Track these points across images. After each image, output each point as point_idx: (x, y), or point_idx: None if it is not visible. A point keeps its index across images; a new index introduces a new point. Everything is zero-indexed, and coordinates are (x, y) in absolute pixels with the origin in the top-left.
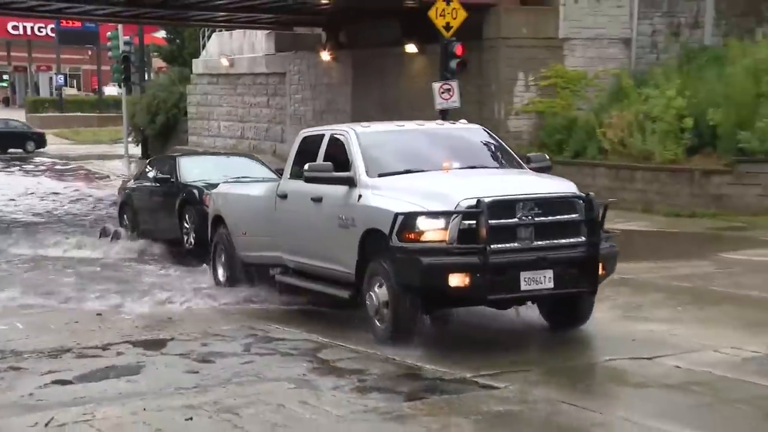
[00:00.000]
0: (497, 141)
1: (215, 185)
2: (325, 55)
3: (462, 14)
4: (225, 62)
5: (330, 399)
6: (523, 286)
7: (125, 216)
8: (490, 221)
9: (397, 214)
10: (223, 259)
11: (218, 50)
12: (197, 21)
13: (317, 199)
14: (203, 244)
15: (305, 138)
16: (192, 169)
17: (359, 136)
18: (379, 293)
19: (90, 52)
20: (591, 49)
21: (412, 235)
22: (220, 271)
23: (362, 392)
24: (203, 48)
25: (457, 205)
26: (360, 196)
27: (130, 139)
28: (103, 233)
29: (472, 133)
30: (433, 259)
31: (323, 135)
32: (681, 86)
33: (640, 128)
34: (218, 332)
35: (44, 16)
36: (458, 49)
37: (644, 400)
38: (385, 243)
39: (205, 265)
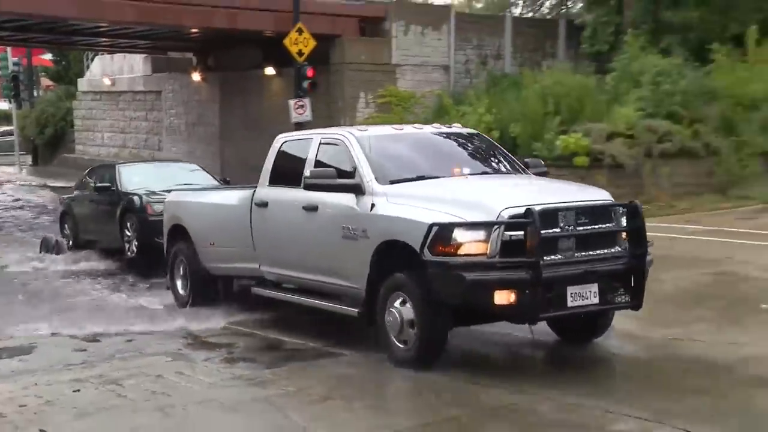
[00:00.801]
0: (498, 146)
1: (158, 193)
2: (196, 76)
3: (312, 43)
4: (107, 81)
5: (203, 369)
6: (570, 303)
7: (66, 226)
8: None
9: (432, 225)
10: (182, 272)
11: (101, 71)
12: (82, 45)
13: (310, 208)
14: (145, 252)
15: (285, 143)
16: (132, 177)
17: (360, 141)
18: (402, 311)
19: None
20: (418, 74)
21: (447, 248)
22: (179, 284)
23: (230, 363)
24: (87, 69)
25: (499, 215)
26: (373, 205)
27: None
28: (44, 244)
29: (472, 137)
30: (477, 274)
31: (310, 140)
32: (489, 105)
33: None
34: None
35: None
36: (309, 71)
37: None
38: (409, 256)
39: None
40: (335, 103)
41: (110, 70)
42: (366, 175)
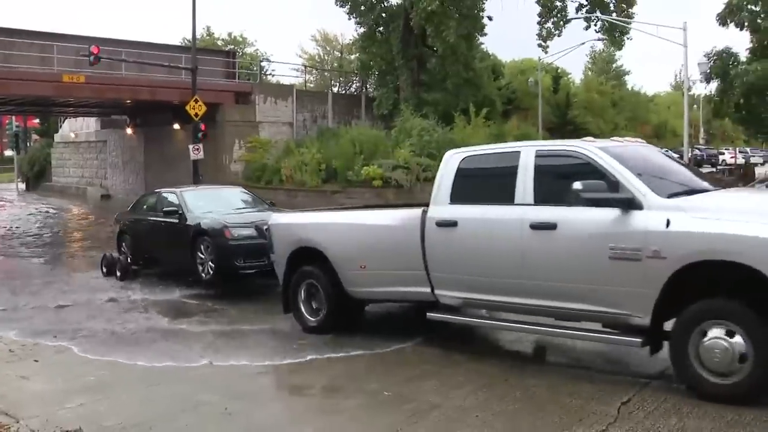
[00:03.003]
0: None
1: (226, 216)
2: (129, 130)
3: (203, 108)
4: (73, 135)
5: None
6: None
7: (123, 244)
8: None
9: None
10: (307, 296)
11: (69, 128)
12: (57, 113)
13: (545, 226)
14: (222, 274)
15: (466, 159)
16: (196, 201)
17: (608, 152)
18: (733, 344)
19: None
20: (273, 128)
21: None
22: (305, 309)
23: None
24: (60, 127)
25: None
26: (668, 221)
27: (20, 179)
28: (106, 261)
29: (658, 151)
30: None
31: (517, 153)
32: (318, 147)
33: (299, 169)
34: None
35: None
36: (202, 126)
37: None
38: (733, 279)
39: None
40: (219, 147)
41: (75, 127)
42: (639, 188)
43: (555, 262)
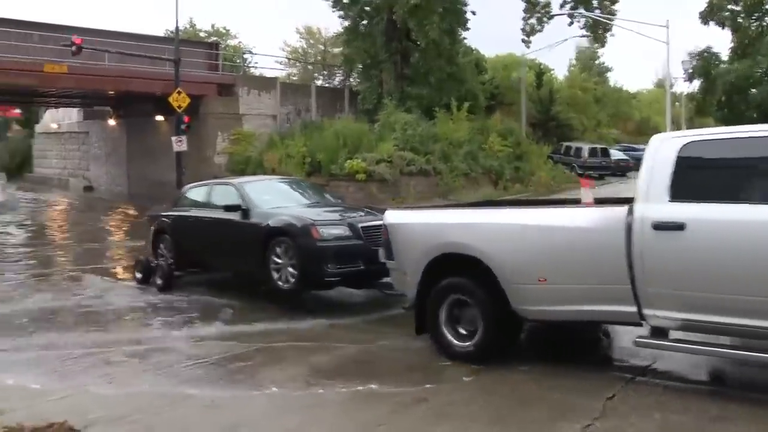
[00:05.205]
0: None
1: (307, 212)
2: (111, 122)
3: (187, 100)
4: (54, 126)
5: None
6: None
7: (161, 246)
8: None
9: None
10: (449, 315)
11: (50, 119)
12: (38, 103)
13: None
14: (307, 282)
15: (691, 145)
16: (260, 195)
17: None
18: None
19: None
20: (257, 120)
21: None
22: (447, 330)
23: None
24: (41, 118)
25: None
26: None
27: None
28: (141, 267)
29: None
30: None
31: None
32: (303, 140)
33: (283, 161)
34: None
35: None
36: (186, 119)
37: None
38: None
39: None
40: (203, 139)
41: (56, 118)
42: None
43: None
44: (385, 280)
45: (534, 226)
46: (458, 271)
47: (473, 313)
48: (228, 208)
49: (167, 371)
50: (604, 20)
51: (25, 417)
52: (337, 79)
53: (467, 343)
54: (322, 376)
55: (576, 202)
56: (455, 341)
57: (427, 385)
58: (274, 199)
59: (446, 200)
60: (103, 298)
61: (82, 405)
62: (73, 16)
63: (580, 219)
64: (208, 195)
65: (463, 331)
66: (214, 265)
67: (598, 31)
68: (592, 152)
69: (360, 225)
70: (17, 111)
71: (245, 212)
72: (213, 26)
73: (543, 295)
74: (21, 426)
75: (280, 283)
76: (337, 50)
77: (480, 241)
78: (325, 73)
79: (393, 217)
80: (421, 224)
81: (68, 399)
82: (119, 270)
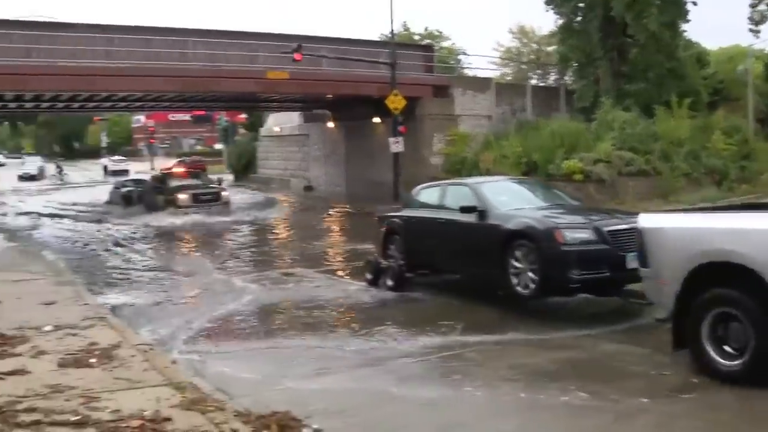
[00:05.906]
0: None
1: (549, 215)
2: (330, 124)
3: (403, 102)
4: (277, 129)
5: None
6: None
7: (392, 247)
8: None
9: None
10: (713, 332)
11: (273, 122)
12: (263, 108)
13: None
14: (548, 288)
15: None
16: (499, 196)
17: None
18: None
19: (209, 126)
20: (472, 120)
21: None
22: (712, 349)
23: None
24: (265, 122)
25: None
26: None
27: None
28: (372, 269)
29: None
30: None
31: None
32: (519, 141)
33: (498, 162)
34: None
35: (181, 108)
36: (402, 128)
37: None
38: None
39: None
40: (419, 140)
41: (279, 121)
42: None
43: None
44: (629, 287)
45: None
46: (722, 282)
47: (742, 328)
48: (464, 210)
49: (384, 368)
50: None
51: (250, 404)
52: (552, 77)
53: (735, 363)
54: (541, 380)
55: None
56: (718, 358)
57: (643, 399)
58: (512, 200)
59: (667, 202)
60: (328, 298)
61: (302, 397)
62: (293, 25)
63: None
64: (442, 196)
65: (728, 349)
66: (446, 268)
67: None
68: None
69: (606, 229)
70: (243, 116)
71: (482, 214)
72: (426, 29)
73: None
74: (248, 411)
75: (519, 288)
76: (550, 48)
77: (753, 249)
78: (539, 72)
79: (649, 221)
80: (682, 229)
81: (289, 391)
82: (346, 270)
